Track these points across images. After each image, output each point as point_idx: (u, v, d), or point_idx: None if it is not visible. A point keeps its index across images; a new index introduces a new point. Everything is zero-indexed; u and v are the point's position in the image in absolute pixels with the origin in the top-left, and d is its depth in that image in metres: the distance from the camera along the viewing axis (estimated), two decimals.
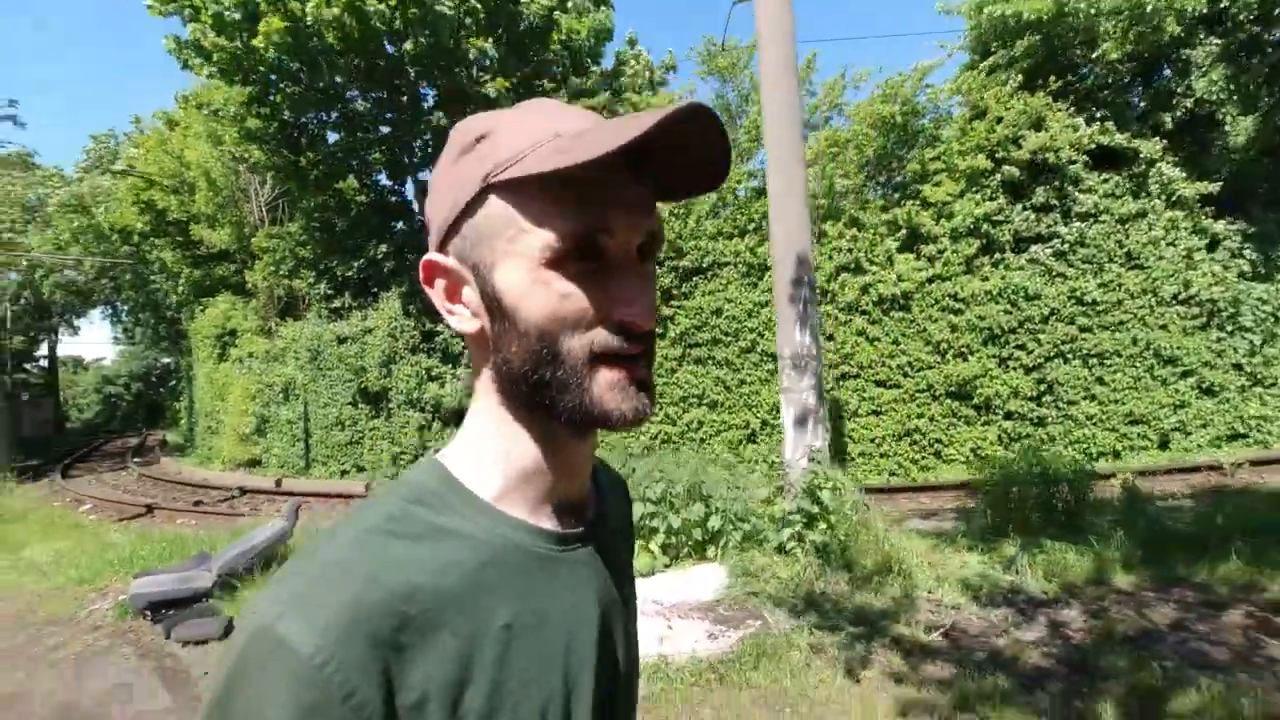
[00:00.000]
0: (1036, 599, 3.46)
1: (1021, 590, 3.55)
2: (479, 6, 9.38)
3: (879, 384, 9.25)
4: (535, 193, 0.43)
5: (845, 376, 9.28)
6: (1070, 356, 9.15)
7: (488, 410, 0.49)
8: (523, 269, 0.44)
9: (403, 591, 0.41)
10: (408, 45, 8.73)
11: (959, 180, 9.18)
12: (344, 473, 12.01)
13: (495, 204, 0.45)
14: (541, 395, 0.45)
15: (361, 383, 11.63)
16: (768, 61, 4.30)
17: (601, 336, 0.44)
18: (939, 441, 9.15)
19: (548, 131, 0.43)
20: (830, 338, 9.25)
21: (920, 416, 9.17)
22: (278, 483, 11.50)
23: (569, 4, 10.22)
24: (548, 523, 0.50)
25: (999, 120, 9.10)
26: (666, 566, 4.39)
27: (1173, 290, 9.16)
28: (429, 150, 12.47)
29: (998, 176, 9.05)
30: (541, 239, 0.43)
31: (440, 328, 11.49)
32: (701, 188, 0.48)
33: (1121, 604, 3.30)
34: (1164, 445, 9.17)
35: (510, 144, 0.44)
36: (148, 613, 4.18)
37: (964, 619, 3.30)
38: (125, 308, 30.28)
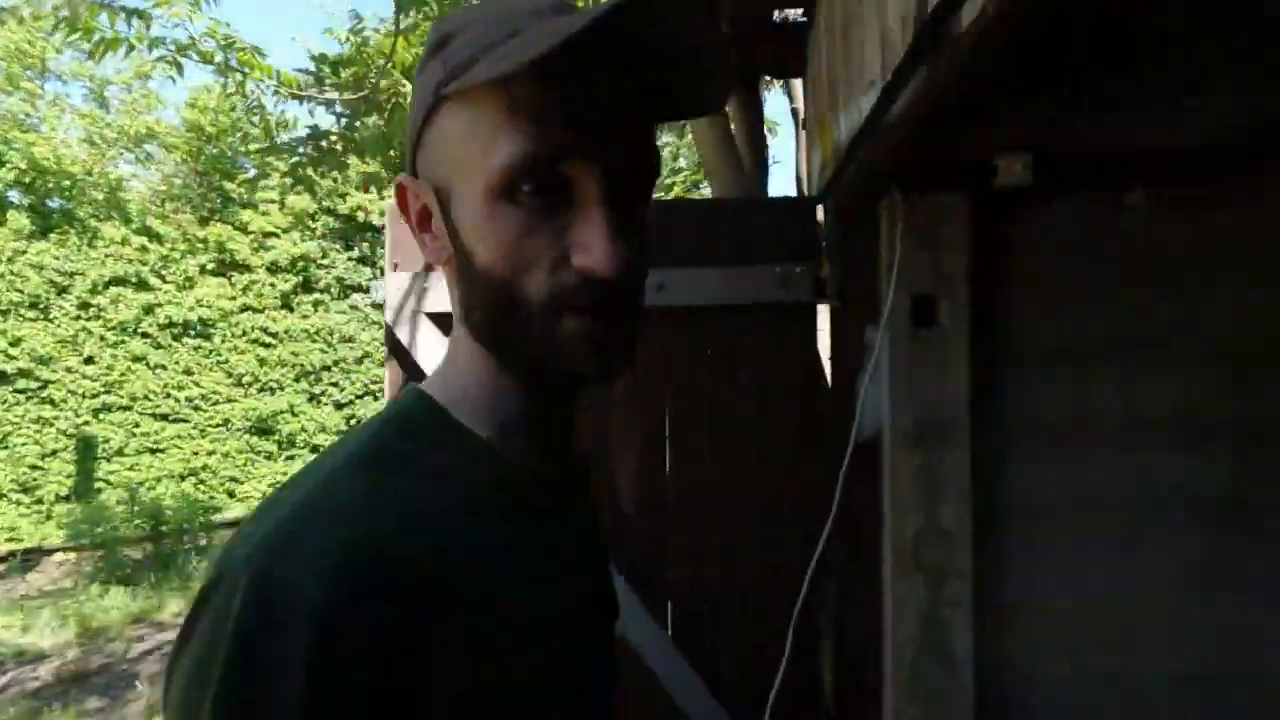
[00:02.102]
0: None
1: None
2: None
3: (160, 418, 8.14)
4: (489, 107, 0.37)
5: (108, 409, 7.77)
6: (378, 395, 10.34)
7: (468, 347, 0.45)
8: (477, 199, 0.39)
9: (407, 527, 0.37)
10: None
11: (287, 215, 9.27)
12: None
13: (449, 119, 0.39)
14: (502, 346, 0.42)
15: None
16: None
17: (561, 282, 0.38)
18: (234, 479, 8.68)
19: (510, 28, 0.37)
20: (90, 360, 7.62)
21: (212, 454, 8.50)
22: None
23: None
24: (541, 466, 0.46)
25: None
26: None
27: None
28: None
29: (321, 223, 9.58)
30: (493, 164, 0.37)
31: None
32: (701, 105, 0.43)
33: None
34: None
35: (469, 45, 0.38)
36: None
37: None
38: None
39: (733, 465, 1.52)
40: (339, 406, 9.82)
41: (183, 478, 8.26)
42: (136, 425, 7.94)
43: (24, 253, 7.17)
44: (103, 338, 7.70)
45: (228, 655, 0.31)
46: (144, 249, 8.04)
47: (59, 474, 7.39)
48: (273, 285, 9.03)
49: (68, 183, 7.63)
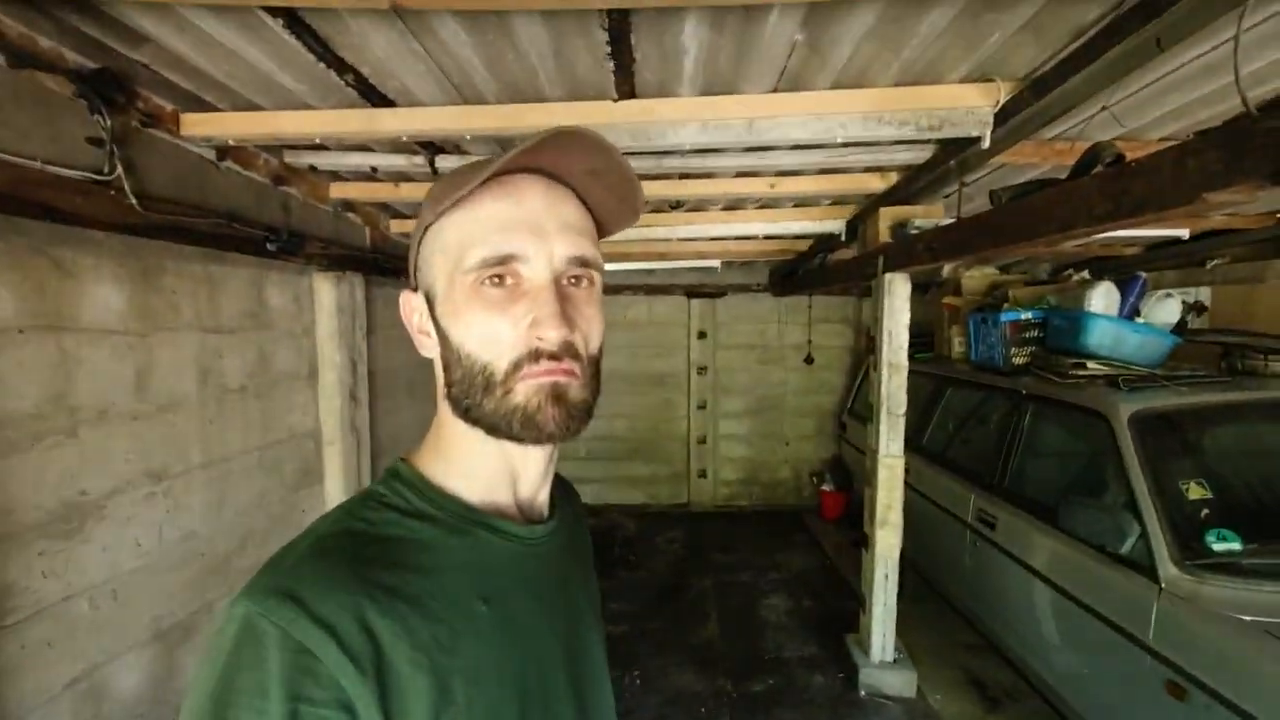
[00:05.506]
0: None
1: None
2: None
3: None
4: (459, 223, 0.49)
5: None
6: None
7: (450, 424, 0.53)
8: (452, 296, 0.50)
9: (392, 566, 0.46)
10: None
11: None
12: None
13: (432, 240, 0.51)
14: (472, 410, 0.50)
15: None
16: None
17: (519, 355, 0.48)
18: None
19: (467, 176, 0.48)
20: None
21: None
22: None
23: None
24: (513, 521, 0.54)
25: None
26: None
27: None
28: None
29: None
30: (465, 266, 0.48)
31: None
32: (622, 218, 0.56)
33: None
34: None
35: (444, 192, 0.49)
36: None
37: None
38: None
39: None
40: None
41: None
42: None
43: None
44: None
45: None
46: None
47: None
48: None
49: None
